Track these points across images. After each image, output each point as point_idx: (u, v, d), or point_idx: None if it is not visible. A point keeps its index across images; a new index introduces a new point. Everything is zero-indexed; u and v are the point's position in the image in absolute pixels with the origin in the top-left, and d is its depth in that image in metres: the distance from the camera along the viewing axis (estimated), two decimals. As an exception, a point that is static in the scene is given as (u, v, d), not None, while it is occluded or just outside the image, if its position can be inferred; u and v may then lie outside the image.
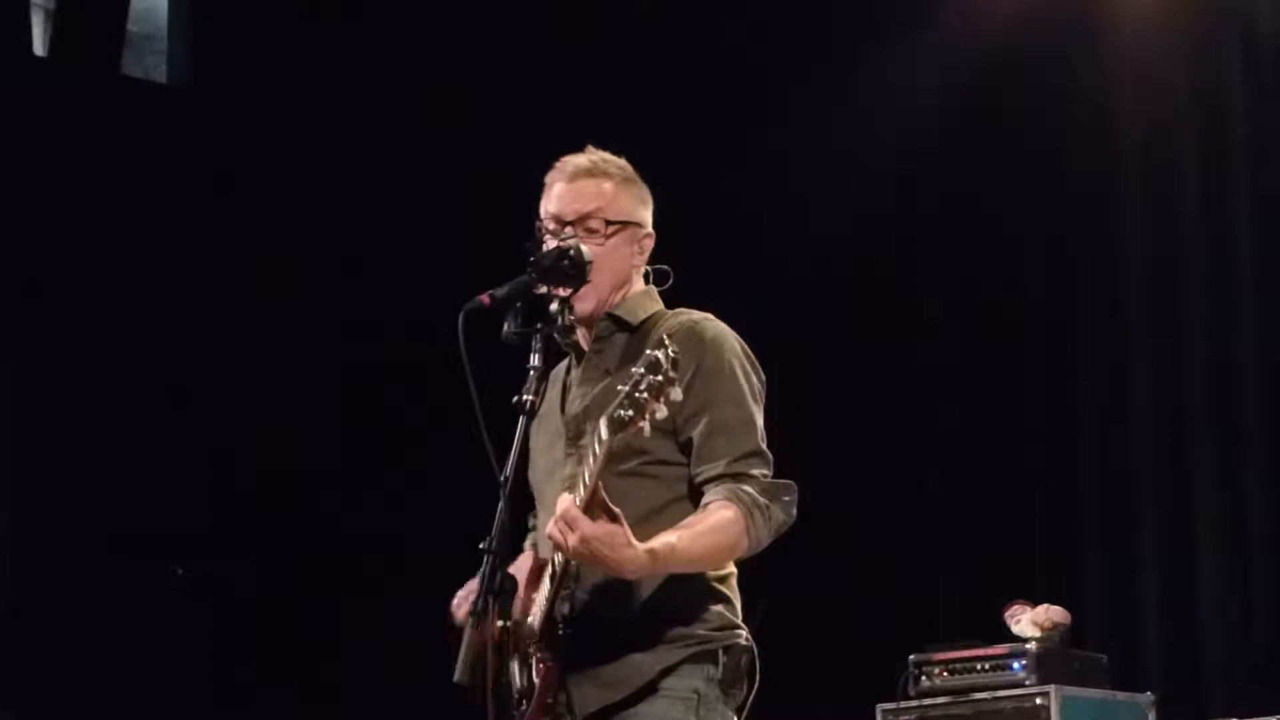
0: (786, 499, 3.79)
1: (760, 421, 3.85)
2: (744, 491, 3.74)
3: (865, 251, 8.61)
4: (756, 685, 3.83)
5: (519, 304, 3.72)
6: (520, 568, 3.91)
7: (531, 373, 3.73)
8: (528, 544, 4.06)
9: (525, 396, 3.71)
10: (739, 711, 3.82)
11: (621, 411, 3.45)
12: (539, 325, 3.76)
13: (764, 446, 3.82)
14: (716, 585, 3.85)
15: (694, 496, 3.81)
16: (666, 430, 3.74)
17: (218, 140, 9.13)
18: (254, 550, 9.22)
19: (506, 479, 3.62)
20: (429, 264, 8.82)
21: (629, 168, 4.02)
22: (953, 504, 8.17)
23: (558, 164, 4.00)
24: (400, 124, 9.23)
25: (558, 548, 3.62)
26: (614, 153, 4.03)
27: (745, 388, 3.85)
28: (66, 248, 8.94)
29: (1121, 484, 7.72)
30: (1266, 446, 7.36)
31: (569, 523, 3.56)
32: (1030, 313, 8.14)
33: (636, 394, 3.43)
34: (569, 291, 3.80)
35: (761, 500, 3.74)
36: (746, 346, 3.93)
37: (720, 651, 3.80)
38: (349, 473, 9.24)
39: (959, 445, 8.17)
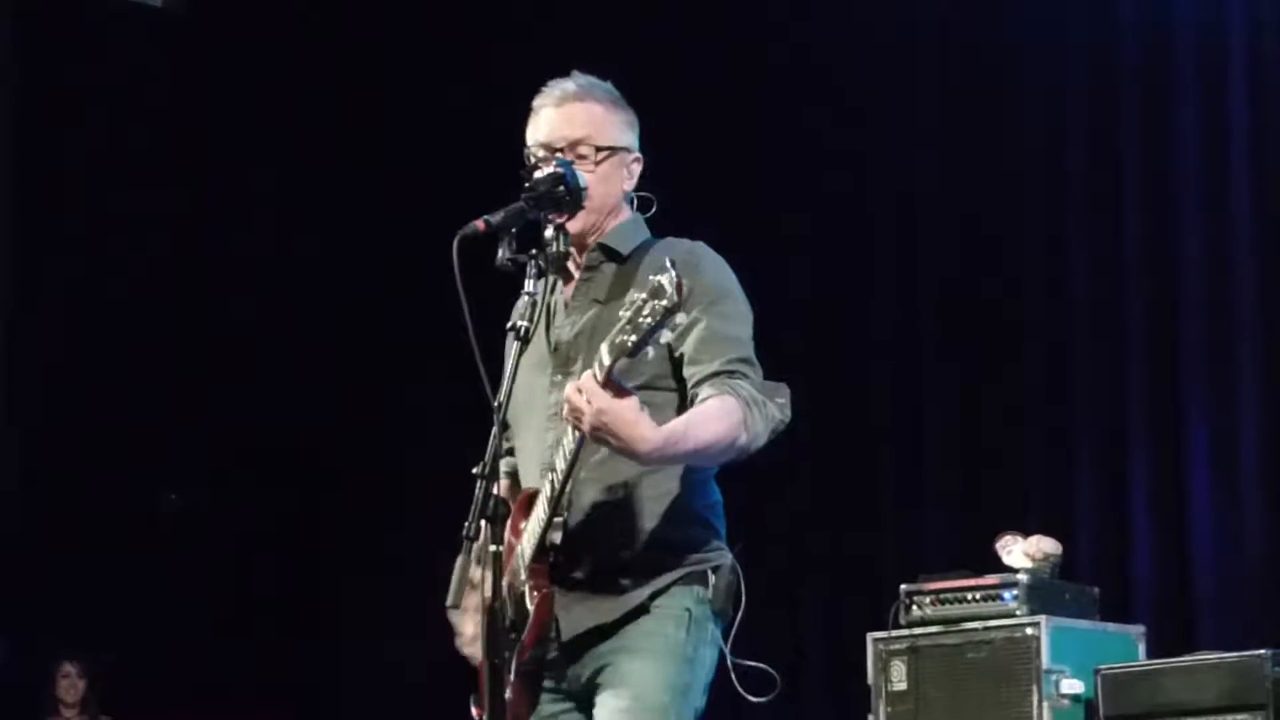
0: (781, 400, 3.77)
1: (750, 340, 3.84)
2: (739, 386, 3.73)
3: (872, 183, 8.55)
4: (742, 607, 3.82)
5: (514, 230, 3.69)
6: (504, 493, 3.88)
7: (526, 298, 3.72)
8: (504, 468, 4.00)
9: (521, 322, 3.70)
10: (724, 635, 3.83)
11: (624, 337, 3.46)
12: (533, 251, 3.73)
13: (755, 360, 3.81)
14: (703, 512, 3.86)
15: None
16: (665, 353, 3.74)
17: (210, 64, 9.10)
18: (249, 481, 9.25)
19: (500, 405, 3.62)
20: (423, 188, 8.80)
21: (615, 91, 3.97)
22: (944, 434, 8.17)
23: (545, 88, 3.95)
24: (396, 48, 9.19)
25: (574, 419, 3.59)
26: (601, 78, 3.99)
27: (738, 308, 3.85)
28: (57, 171, 8.93)
29: (1114, 416, 7.72)
30: (1257, 373, 7.37)
31: (588, 395, 3.55)
32: (1029, 237, 8.10)
33: (640, 319, 3.44)
34: (564, 218, 3.78)
35: (758, 396, 3.73)
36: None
37: (709, 572, 3.81)
38: (344, 399, 9.26)
39: (948, 375, 8.17)
